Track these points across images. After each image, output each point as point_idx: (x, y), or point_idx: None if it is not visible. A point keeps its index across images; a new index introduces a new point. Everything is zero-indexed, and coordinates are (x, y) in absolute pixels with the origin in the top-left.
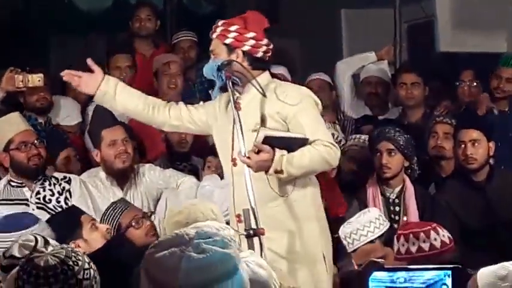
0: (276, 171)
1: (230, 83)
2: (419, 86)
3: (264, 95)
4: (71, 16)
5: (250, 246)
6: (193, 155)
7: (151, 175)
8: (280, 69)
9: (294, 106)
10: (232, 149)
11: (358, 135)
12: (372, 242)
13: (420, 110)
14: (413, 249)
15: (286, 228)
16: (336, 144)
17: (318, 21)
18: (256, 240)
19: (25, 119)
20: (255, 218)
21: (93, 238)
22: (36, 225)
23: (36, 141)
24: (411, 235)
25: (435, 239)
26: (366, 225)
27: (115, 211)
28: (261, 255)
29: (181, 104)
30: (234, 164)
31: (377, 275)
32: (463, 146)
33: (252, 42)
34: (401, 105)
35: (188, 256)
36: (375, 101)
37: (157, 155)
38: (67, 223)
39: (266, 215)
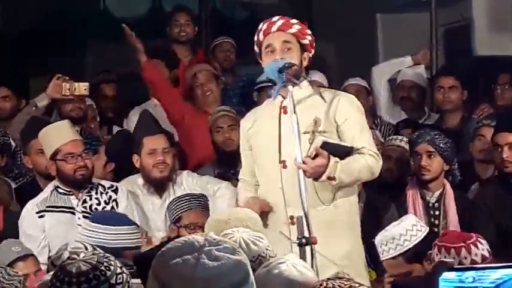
0: (329, 178)
1: (290, 85)
2: (457, 89)
3: (323, 100)
4: (106, 23)
5: (302, 255)
6: None
7: (188, 182)
8: (317, 75)
9: (345, 111)
10: (280, 152)
11: (395, 136)
12: (393, 258)
13: (458, 114)
14: None
15: (333, 234)
16: (379, 155)
17: (353, 25)
18: (308, 249)
19: (74, 127)
20: (308, 226)
21: None
22: (133, 227)
23: (83, 152)
24: (443, 248)
25: (465, 258)
26: (402, 233)
27: None
28: (312, 264)
29: (246, 175)
30: (284, 167)
31: (446, 275)
32: (499, 149)
33: (312, 49)
34: (438, 109)
35: (203, 264)
36: (408, 105)
37: (205, 159)
38: None
39: (315, 219)
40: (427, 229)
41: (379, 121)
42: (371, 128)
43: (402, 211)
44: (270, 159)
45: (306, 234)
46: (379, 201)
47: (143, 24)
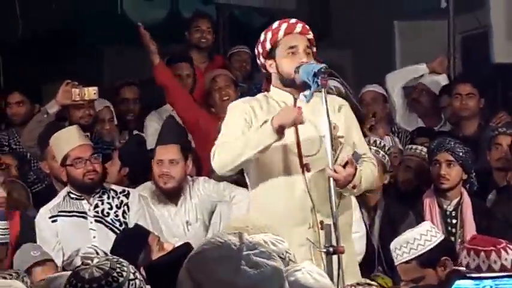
0: (353, 187)
1: (325, 91)
2: (474, 97)
3: (359, 109)
4: (124, 28)
5: (328, 263)
6: None
7: (205, 188)
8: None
9: (349, 117)
10: (300, 155)
11: (415, 146)
12: (407, 262)
13: (475, 122)
14: (473, 265)
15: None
16: (375, 160)
17: (371, 32)
18: (335, 258)
19: (83, 132)
20: (336, 234)
21: None
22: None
23: (91, 157)
24: (472, 251)
25: (495, 262)
26: (416, 237)
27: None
28: (338, 273)
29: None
30: (307, 170)
31: (461, 283)
32: None
33: None
34: (455, 116)
35: (244, 271)
36: (418, 109)
37: None
38: (135, 245)
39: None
40: (442, 236)
41: (396, 128)
42: (387, 135)
43: (419, 219)
44: (289, 162)
45: (334, 242)
46: (398, 210)
47: (160, 29)
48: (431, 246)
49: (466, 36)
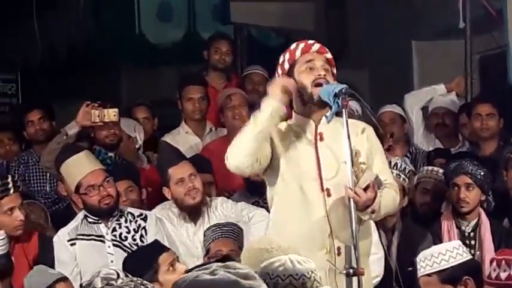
0: (372, 212)
1: (346, 111)
2: (494, 117)
3: (379, 129)
4: (142, 48)
5: (348, 285)
6: None
7: (223, 208)
8: (354, 103)
9: (373, 143)
10: (321, 179)
11: (431, 167)
12: (429, 275)
13: (494, 142)
14: (503, 276)
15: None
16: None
17: (389, 53)
18: (355, 280)
19: (93, 156)
20: (356, 256)
21: (170, 280)
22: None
23: (104, 181)
24: (503, 261)
25: None
26: (442, 252)
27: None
28: None
29: None
30: (328, 195)
31: None
32: None
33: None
34: (475, 137)
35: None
36: (442, 131)
37: (234, 188)
38: (142, 264)
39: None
40: (469, 256)
41: (414, 149)
42: (405, 155)
43: (437, 241)
44: (310, 186)
45: (354, 264)
46: (415, 232)
47: (178, 49)
48: (455, 263)
49: (483, 56)
